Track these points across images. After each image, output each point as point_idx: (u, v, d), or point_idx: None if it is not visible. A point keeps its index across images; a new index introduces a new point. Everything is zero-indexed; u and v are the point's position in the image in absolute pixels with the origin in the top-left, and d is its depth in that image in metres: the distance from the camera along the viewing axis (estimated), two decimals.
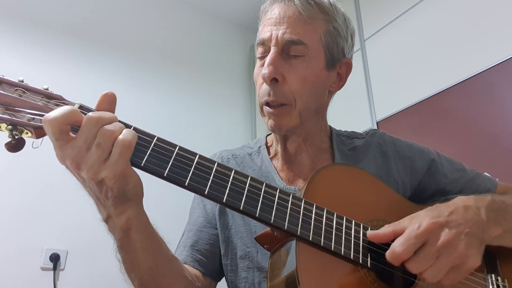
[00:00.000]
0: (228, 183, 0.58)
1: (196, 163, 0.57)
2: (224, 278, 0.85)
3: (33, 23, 2.28)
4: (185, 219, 0.90)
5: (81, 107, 0.54)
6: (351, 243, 0.62)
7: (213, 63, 2.94)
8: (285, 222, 0.59)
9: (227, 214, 0.83)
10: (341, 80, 0.86)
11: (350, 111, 2.15)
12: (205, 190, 0.55)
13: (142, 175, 0.56)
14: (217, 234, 0.84)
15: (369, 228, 0.65)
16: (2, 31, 2.15)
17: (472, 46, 1.74)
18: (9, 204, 1.87)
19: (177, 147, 0.57)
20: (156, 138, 0.56)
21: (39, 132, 0.52)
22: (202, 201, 0.88)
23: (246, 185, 0.59)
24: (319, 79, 0.79)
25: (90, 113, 0.51)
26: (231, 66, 3.05)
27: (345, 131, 0.95)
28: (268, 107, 0.78)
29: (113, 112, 0.56)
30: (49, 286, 1.82)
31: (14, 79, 0.53)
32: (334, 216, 0.63)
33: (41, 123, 0.50)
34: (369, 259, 0.62)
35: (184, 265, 0.77)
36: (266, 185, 0.61)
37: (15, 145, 0.52)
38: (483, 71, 1.66)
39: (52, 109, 0.51)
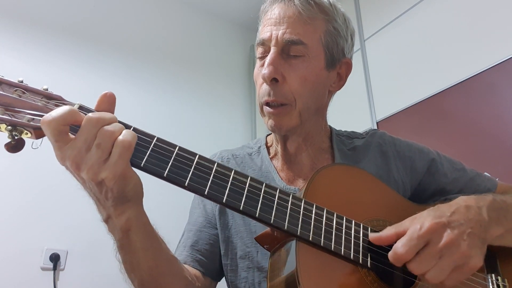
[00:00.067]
0: (228, 183, 0.58)
1: (196, 163, 0.57)
2: (224, 278, 0.85)
3: (33, 23, 2.28)
4: (185, 219, 0.90)
5: (81, 107, 0.54)
6: (351, 243, 0.62)
7: (213, 63, 2.94)
8: (285, 222, 0.59)
9: (227, 214, 0.83)
10: (341, 80, 0.86)
11: (350, 111, 2.15)
12: (205, 190, 0.55)
13: (142, 175, 0.56)
14: (217, 234, 0.84)
15: (369, 228, 0.65)
16: (2, 31, 2.15)
17: (472, 46, 1.74)
18: (9, 204, 1.87)
19: (177, 147, 0.57)
20: (156, 138, 0.56)
21: (38, 133, 0.52)
22: (202, 201, 0.88)
23: (246, 185, 0.59)
24: (319, 79, 0.79)
25: (90, 114, 0.51)
26: (231, 66, 3.05)
27: (345, 131, 0.95)
28: (268, 107, 0.78)
29: (113, 112, 0.56)
30: (49, 286, 1.82)
31: (14, 79, 0.53)
32: (334, 216, 0.63)
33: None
34: (369, 259, 0.62)
35: (184, 265, 0.77)
36: (266, 185, 0.61)
37: (15, 146, 0.52)
38: (483, 71, 1.66)
39: (51, 110, 0.51)
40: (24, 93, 0.53)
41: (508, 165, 1.49)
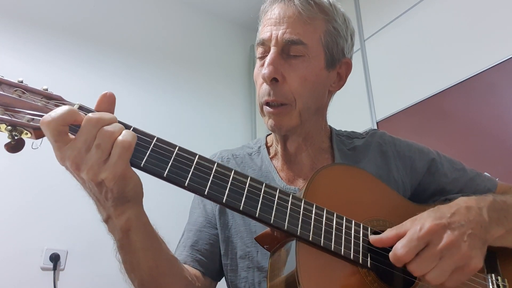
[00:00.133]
0: (228, 184, 0.58)
1: (195, 164, 0.57)
2: (224, 278, 0.85)
3: (33, 23, 2.28)
4: (185, 219, 0.90)
5: (81, 107, 0.54)
6: (351, 243, 0.62)
7: (213, 63, 2.94)
8: (285, 222, 0.59)
9: (227, 214, 0.83)
10: (341, 80, 0.86)
11: (350, 111, 2.15)
12: (205, 190, 0.55)
13: (142, 175, 0.56)
14: (217, 234, 0.84)
15: (369, 228, 0.65)
16: (2, 31, 2.15)
17: (472, 46, 1.74)
18: (9, 204, 1.87)
19: (177, 147, 0.57)
20: (155, 138, 0.56)
21: (38, 133, 0.52)
22: (202, 201, 0.88)
23: (246, 185, 0.59)
24: (319, 79, 0.79)
25: (90, 114, 0.51)
26: (231, 66, 3.05)
27: (345, 131, 0.95)
28: (268, 107, 0.78)
29: (113, 112, 0.56)
30: (49, 286, 1.82)
31: (14, 79, 0.53)
32: (334, 216, 0.63)
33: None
34: (369, 259, 0.62)
35: (184, 265, 0.77)
36: (266, 185, 0.61)
37: (15, 146, 0.52)
38: (483, 71, 1.66)
39: (51, 110, 0.51)
40: (24, 93, 0.53)
41: (508, 165, 1.49)
